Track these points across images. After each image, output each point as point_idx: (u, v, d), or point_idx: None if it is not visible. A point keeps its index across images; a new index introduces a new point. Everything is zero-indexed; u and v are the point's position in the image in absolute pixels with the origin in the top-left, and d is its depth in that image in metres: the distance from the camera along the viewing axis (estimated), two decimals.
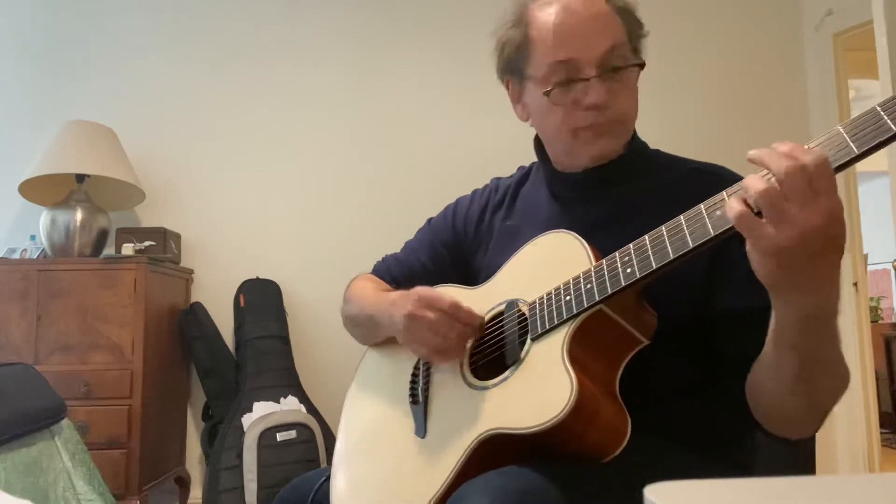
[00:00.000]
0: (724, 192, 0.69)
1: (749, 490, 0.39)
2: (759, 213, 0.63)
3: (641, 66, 0.95)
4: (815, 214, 0.60)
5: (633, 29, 0.97)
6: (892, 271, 5.76)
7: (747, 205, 0.63)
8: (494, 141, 2.76)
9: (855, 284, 2.75)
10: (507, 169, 1.18)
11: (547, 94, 0.93)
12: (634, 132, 1.01)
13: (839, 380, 0.75)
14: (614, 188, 0.97)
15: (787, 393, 0.74)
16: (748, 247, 0.65)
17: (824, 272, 0.64)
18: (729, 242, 0.71)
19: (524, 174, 1.12)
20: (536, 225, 0.97)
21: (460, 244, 1.12)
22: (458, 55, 2.87)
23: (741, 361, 0.80)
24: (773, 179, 0.62)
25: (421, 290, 0.92)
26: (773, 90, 2.90)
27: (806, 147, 0.63)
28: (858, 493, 0.39)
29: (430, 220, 1.20)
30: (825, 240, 0.61)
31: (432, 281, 1.08)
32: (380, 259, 1.22)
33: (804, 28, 2.94)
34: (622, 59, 0.93)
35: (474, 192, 1.16)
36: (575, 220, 0.95)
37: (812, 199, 0.61)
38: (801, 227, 0.61)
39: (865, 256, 2.99)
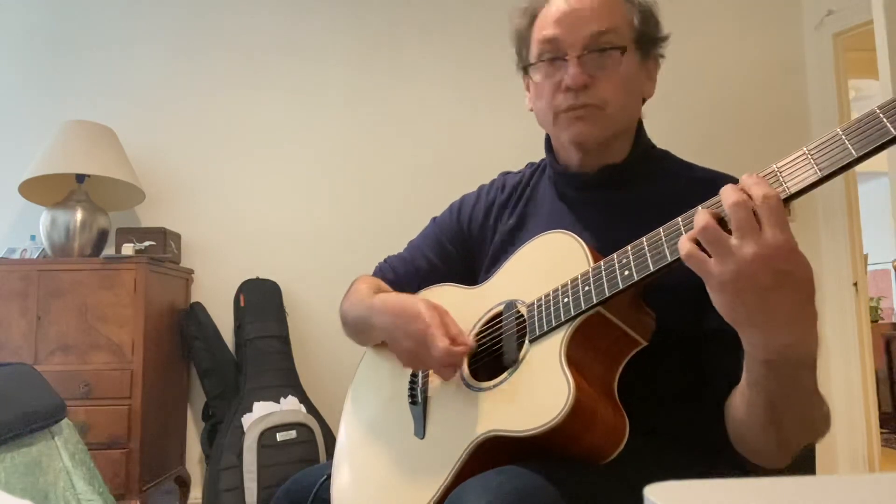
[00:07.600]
0: (698, 207, 0.68)
1: (749, 490, 0.39)
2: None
3: (622, 49, 0.92)
4: (755, 247, 0.60)
5: (645, 24, 0.95)
6: (893, 271, 5.76)
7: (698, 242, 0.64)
8: (498, 140, 2.76)
9: (855, 284, 2.74)
10: (512, 168, 1.17)
11: (530, 66, 0.95)
12: (641, 132, 1.00)
13: (813, 426, 0.74)
14: (618, 191, 0.97)
15: (756, 429, 0.73)
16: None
17: (782, 310, 0.61)
18: None
19: (532, 172, 1.11)
20: (539, 224, 0.97)
21: (466, 241, 1.11)
22: (462, 54, 2.87)
23: (722, 383, 0.79)
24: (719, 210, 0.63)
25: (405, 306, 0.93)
26: (773, 90, 2.90)
27: (760, 178, 0.63)
28: (858, 493, 0.39)
29: (434, 219, 1.19)
30: (773, 274, 0.60)
31: (439, 278, 1.08)
32: (381, 261, 1.21)
33: (804, 28, 2.94)
34: (609, 44, 0.92)
35: (480, 188, 1.16)
36: (577, 220, 0.95)
37: (752, 232, 0.60)
38: (741, 260, 0.60)
39: (865, 256, 2.98)
